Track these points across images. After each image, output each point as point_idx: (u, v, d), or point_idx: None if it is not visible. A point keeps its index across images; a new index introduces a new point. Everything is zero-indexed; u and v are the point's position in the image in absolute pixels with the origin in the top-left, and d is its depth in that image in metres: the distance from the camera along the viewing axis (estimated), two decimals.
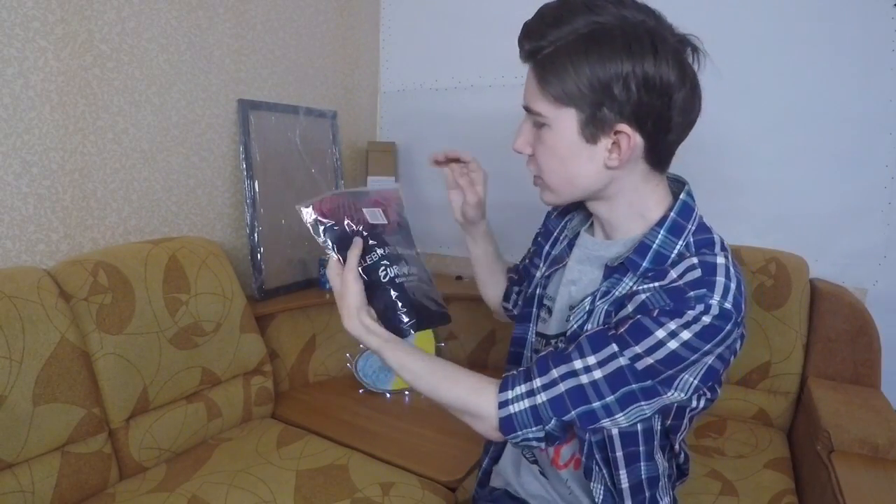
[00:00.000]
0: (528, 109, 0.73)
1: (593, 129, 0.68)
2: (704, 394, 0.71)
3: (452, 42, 1.98)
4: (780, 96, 1.51)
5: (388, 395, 1.61)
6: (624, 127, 0.67)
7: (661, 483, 0.80)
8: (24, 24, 1.12)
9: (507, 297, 1.04)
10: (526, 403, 0.70)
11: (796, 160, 1.53)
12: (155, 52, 1.37)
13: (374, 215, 0.80)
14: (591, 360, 0.67)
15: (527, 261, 1.00)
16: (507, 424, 0.71)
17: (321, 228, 0.77)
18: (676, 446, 0.84)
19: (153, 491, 1.09)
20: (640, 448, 0.76)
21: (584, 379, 0.67)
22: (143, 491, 1.09)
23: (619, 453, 0.76)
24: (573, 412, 0.68)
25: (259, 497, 1.08)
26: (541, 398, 0.69)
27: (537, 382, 0.70)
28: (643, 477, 0.78)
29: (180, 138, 1.46)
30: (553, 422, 0.69)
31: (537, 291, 0.87)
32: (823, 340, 1.39)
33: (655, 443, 0.77)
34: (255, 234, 1.57)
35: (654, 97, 0.65)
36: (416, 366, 0.76)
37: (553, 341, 0.82)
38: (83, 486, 1.06)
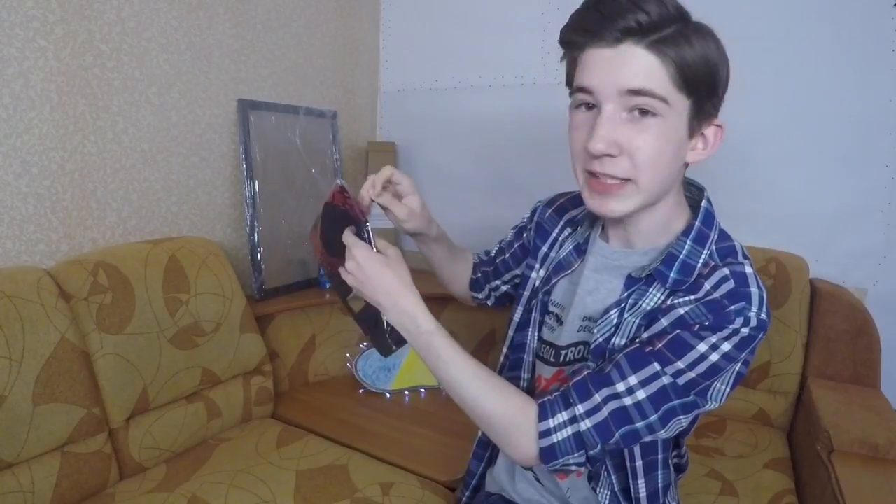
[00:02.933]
0: (637, 93, 0.63)
1: (696, 122, 0.67)
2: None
3: (452, 42, 1.97)
4: (780, 96, 1.51)
5: (388, 395, 1.61)
6: (719, 120, 0.69)
7: (671, 487, 0.81)
8: (24, 24, 1.12)
9: (478, 289, 1.02)
10: (569, 431, 0.68)
11: (796, 160, 1.53)
12: (155, 52, 1.37)
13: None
14: (633, 380, 0.66)
15: (506, 255, 0.97)
16: (548, 454, 0.68)
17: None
18: (683, 448, 0.84)
19: (153, 491, 1.09)
20: (659, 456, 0.76)
21: (627, 401, 0.66)
22: (143, 491, 1.09)
23: (639, 462, 0.75)
24: (617, 434, 0.67)
25: (259, 497, 1.08)
26: (585, 424, 0.67)
27: (580, 409, 0.68)
28: (659, 485, 0.78)
29: (180, 138, 1.46)
30: (598, 448, 0.67)
31: (539, 297, 0.85)
32: (823, 340, 1.39)
33: (670, 450, 0.77)
34: (255, 234, 1.57)
35: (723, 97, 0.69)
36: (469, 365, 0.71)
37: (564, 352, 0.80)
38: (83, 486, 1.06)
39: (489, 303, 1.03)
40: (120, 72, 1.30)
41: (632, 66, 0.63)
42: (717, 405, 0.69)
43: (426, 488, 1.16)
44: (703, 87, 0.65)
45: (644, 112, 0.64)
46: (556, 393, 0.71)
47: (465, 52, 1.95)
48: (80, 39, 1.22)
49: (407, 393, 1.62)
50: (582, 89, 0.66)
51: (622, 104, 0.64)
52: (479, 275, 1.02)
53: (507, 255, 0.97)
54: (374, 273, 0.71)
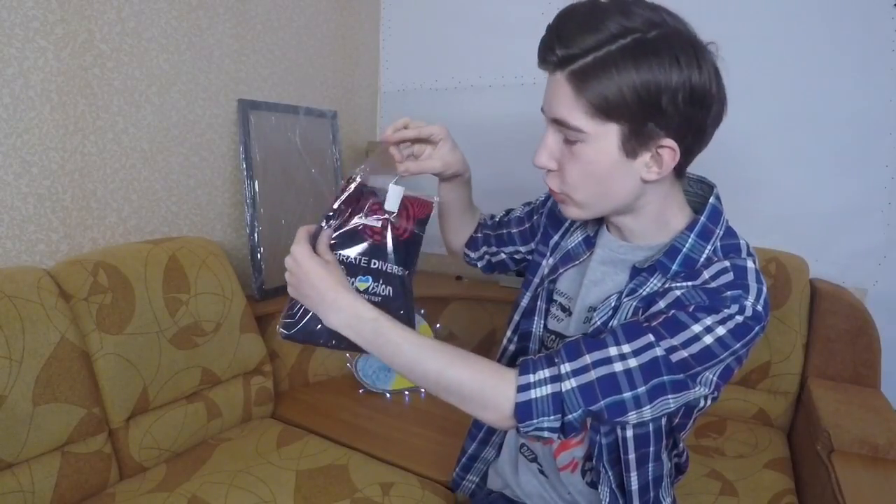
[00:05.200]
0: (559, 122, 0.67)
1: (635, 143, 0.65)
2: (713, 392, 0.71)
3: (452, 42, 1.98)
4: (780, 96, 1.51)
5: (388, 395, 1.61)
6: (669, 141, 0.65)
7: (664, 483, 0.81)
8: (24, 24, 1.12)
9: (474, 247, 1.02)
10: (548, 389, 0.66)
11: (796, 160, 1.53)
12: (155, 52, 1.37)
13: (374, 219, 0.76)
14: (627, 348, 0.65)
15: (512, 229, 0.97)
16: (523, 411, 0.66)
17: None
18: (680, 445, 0.84)
19: (153, 491, 1.09)
20: (651, 448, 0.76)
21: (618, 367, 0.65)
22: (143, 491, 1.09)
23: (632, 455, 0.75)
24: (602, 402, 0.65)
25: (259, 497, 1.08)
26: (568, 384, 0.65)
27: (566, 367, 0.66)
28: (650, 477, 0.78)
29: (180, 138, 1.46)
30: (579, 411, 0.65)
31: (546, 285, 0.86)
32: (823, 340, 1.39)
33: (663, 442, 0.77)
34: (255, 234, 1.57)
35: (697, 110, 0.64)
36: (424, 340, 0.70)
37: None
38: (83, 486, 1.06)
39: (479, 265, 1.02)
40: (120, 72, 1.30)
41: (556, 95, 0.66)
42: (707, 391, 0.68)
43: (426, 488, 1.16)
44: (634, 112, 0.62)
45: (571, 140, 0.67)
46: (541, 354, 0.70)
47: (465, 52, 1.95)
48: (80, 39, 1.22)
49: (407, 393, 1.62)
50: (543, 108, 0.71)
51: (557, 128, 0.69)
52: (480, 235, 1.01)
53: (514, 230, 0.97)
54: (312, 272, 0.70)
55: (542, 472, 0.89)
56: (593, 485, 0.82)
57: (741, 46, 1.53)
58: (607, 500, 0.79)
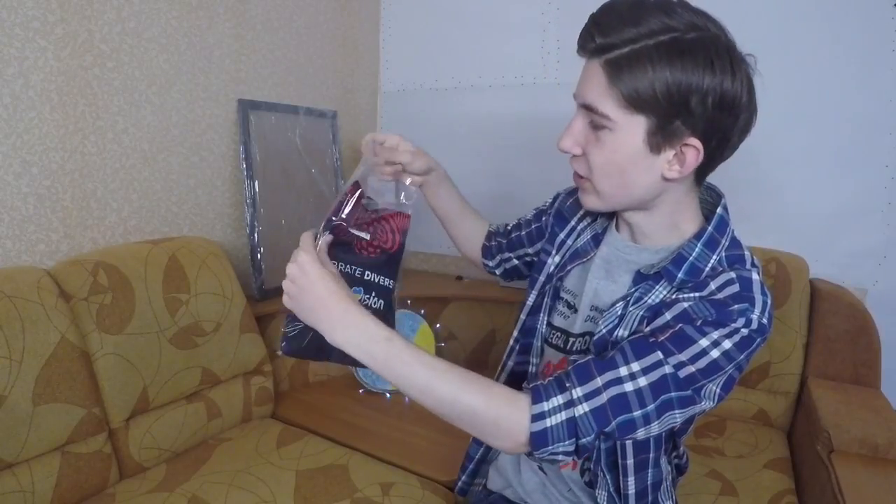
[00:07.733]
0: (589, 108, 0.68)
1: (661, 139, 0.66)
2: (715, 403, 0.71)
3: (452, 42, 1.97)
4: (780, 96, 1.51)
5: (387, 395, 1.61)
6: (695, 141, 0.66)
7: (663, 486, 0.81)
8: (24, 24, 1.12)
9: (489, 256, 1.03)
10: (563, 416, 0.65)
11: (796, 160, 1.53)
12: (155, 52, 1.37)
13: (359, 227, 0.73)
14: (636, 366, 0.65)
15: (521, 232, 0.98)
16: (539, 439, 0.65)
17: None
18: (681, 448, 0.84)
19: (153, 491, 1.09)
20: (650, 455, 0.76)
21: (628, 387, 0.65)
22: (143, 491, 1.09)
23: (630, 461, 0.76)
24: (613, 422, 0.65)
25: (259, 497, 1.08)
26: (581, 409, 0.65)
27: (578, 392, 0.65)
28: (649, 482, 0.78)
29: (180, 138, 1.46)
30: (592, 435, 0.65)
31: (553, 283, 0.86)
32: (823, 340, 1.39)
33: (662, 448, 0.78)
34: (255, 234, 1.57)
35: (724, 115, 0.65)
36: (438, 363, 0.66)
37: (573, 340, 0.81)
38: (83, 486, 1.06)
39: (498, 272, 1.03)
40: (120, 72, 1.30)
41: (589, 81, 0.68)
42: (711, 405, 0.68)
43: (426, 488, 1.16)
44: (663, 108, 0.64)
45: (598, 125, 0.68)
46: (551, 377, 0.69)
47: (465, 52, 1.95)
48: (80, 39, 1.22)
49: None
50: (575, 94, 0.72)
51: (585, 113, 0.70)
52: (493, 243, 1.02)
53: (523, 233, 0.98)
54: (320, 283, 0.65)
55: (541, 468, 0.89)
56: (591, 485, 0.82)
57: (741, 46, 1.54)
58: (605, 502, 0.79)
